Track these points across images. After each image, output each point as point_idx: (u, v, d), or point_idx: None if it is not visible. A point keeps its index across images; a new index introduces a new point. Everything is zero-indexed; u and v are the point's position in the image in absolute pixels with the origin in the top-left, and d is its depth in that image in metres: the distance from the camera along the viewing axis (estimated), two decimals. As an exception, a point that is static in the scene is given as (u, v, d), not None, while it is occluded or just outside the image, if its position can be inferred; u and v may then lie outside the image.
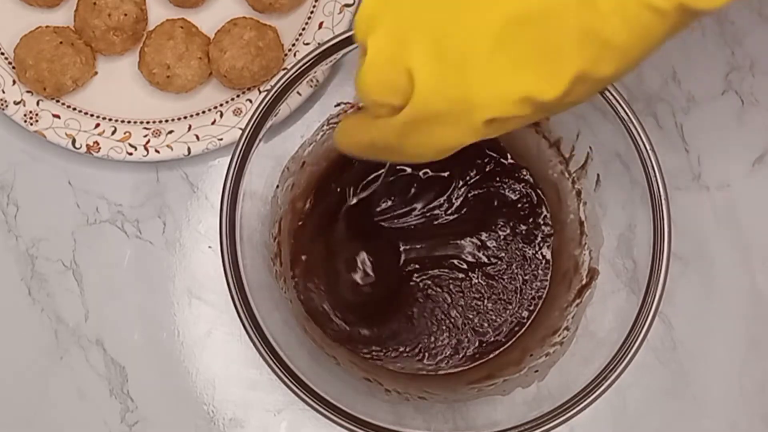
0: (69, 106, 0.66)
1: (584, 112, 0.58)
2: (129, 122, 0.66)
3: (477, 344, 0.63)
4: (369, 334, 0.63)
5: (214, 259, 0.58)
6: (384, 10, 0.41)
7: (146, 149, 0.65)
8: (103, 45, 0.66)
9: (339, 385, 0.57)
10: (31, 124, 0.65)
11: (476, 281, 0.63)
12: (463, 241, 0.64)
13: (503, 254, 0.64)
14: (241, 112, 0.65)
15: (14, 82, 0.66)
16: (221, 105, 0.66)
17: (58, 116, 0.65)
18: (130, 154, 0.65)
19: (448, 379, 0.62)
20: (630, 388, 0.63)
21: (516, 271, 0.64)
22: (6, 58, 0.66)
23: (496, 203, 0.64)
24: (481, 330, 0.63)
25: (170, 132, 0.65)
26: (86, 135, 0.65)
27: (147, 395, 0.65)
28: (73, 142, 0.65)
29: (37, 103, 0.66)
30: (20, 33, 0.66)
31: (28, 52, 0.65)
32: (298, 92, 0.57)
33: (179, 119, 0.66)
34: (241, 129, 0.60)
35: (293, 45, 0.67)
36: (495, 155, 0.64)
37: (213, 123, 0.65)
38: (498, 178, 0.64)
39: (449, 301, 0.63)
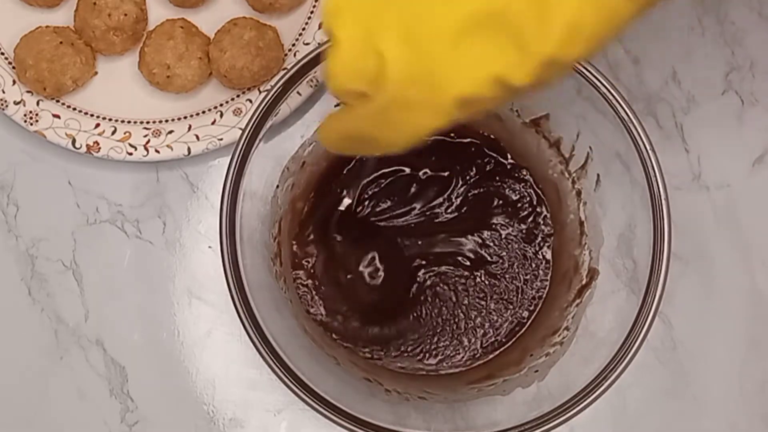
0: (69, 106, 0.66)
1: (584, 112, 0.58)
2: (129, 122, 0.66)
3: (478, 344, 0.63)
4: (376, 333, 0.63)
5: (214, 259, 0.58)
6: None
7: (146, 149, 0.65)
8: (103, 45, 0.66)
9: (339, 385, 0.57)
10: (31, 124, 0.65)
11: (479, 280, 0.63)
12: (464, 239, 0.64)
13: (504, 253, 0.64)
14: (241, 112, 0.65)
15: (14, 82, 0.66)
16: (221, 105, 0.66)
17: (58, 116, 0.65)
18: (130, 154, 0.65)
19: (448, 379, 0.62)
20: (630, 388, 0.63)
21: (517, 270, 0.64)
22: (6, 58, 0.66)
23: (496, 203, 0.64)
24: (482, 330, 0.63)
25: (170, 132, 0.65)
26: (86, 135, 0.65)
27: (147, 395, 0.65)
28: (73, 142, 0.65)
29: (37, 103, 0.66)
30: (20, 33, 0.66)
31: (28, 52, 0.65)
32: (298, 92, 0.57)
33: (179, 119, 0.66)
34: (241, 129, 0.60)
35: (293, 45, 0.67)
36: (495, 155, 0.64)
37: (213, 123, 0.65)
38: (498, 178, 0.64)
39: (455, 299, 0.63)
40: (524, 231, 0.64)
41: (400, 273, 0.63)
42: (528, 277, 0.64)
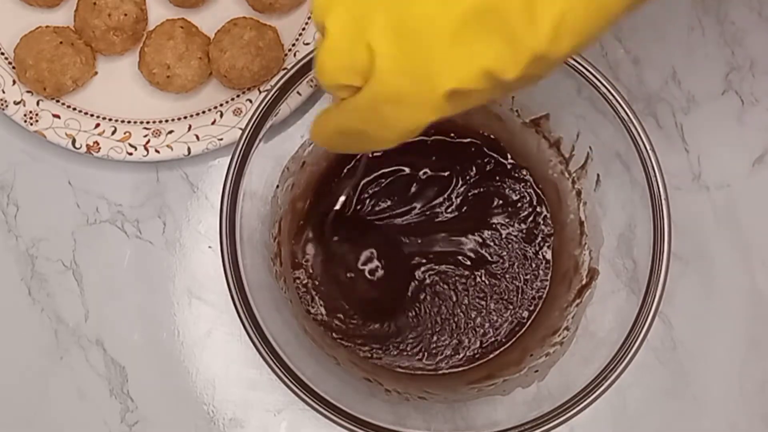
0: (69, 106, 0.66)
1: (584, 112, 0.58)
2: (129, 122, 0.66)
3: (478, 344, 0.63)
4: (376, 330, 0.63)
5: (214, 259, 0.58)
6: None
7: (146, 149, 0.65)
8: (103, 45, 0.66)
9: (339, 385, 0.57)
10: (31, 124, 0.65)
11: (480, 280, 0.63)
12: (464, 238, 0.64)
13: (504, 253, 0.64)
14: (241, 112, 0.65)
15: (14, 82, 0.66)
16: (221, 105, 0.66)
17: (58, 116, 0.65)
18: (130, 154, 0.65)
19: (448, 379, 0.62)
20: (630, 388, 0.63)
21: (517, 270, 0.64)
22: (6, 58, 0.66)
23: (496, 203, 0.64)
24: (482, 330, 0.63)
25: (170, 132, 0.65)
26: (86, 135, 0.65)
27: (147, 395, 0.65)
28: (73, 142, 0.65)
29: (37, 103, 0.66)
30: (20, 33, 0.66)
31: (28, 52, 0.65)
32: (298, 92, 0.57)
33: (179, 119, 0.66)
34: (241, 129, 0.60)
35: (293, 45, 0.67)
36: (495, 155, 0.64)
37: (213, 123, 0.65)
38: (498, 178, 0.64)
39: (454, 299, 0.63)
40: (524, 231, 0.64)
41: (399, 270, 0.63)
42: (528, 277, 0.64)
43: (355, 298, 0.63)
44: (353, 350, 0.62)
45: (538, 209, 0.64)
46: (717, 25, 0.68)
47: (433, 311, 0.63)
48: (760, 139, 0.68)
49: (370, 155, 0.60)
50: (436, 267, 0.63)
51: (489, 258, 0.63)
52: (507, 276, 0.63)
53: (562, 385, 0.55)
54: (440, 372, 0.63)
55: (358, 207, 0.63)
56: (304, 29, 0.67)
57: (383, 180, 0.63)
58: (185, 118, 0.66)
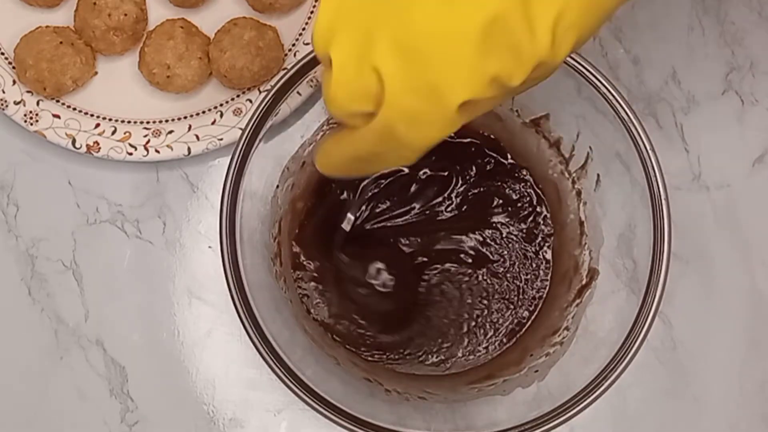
0: (69, 106, 0.66)
1: (584, 112, 0.58)
2: (129, 122, 0.66)
3: (479, 344, 0.63)
4: (390, 340, 0.63)
5: (214, 259, 0.58)
6: (341, 19, 0.41)
7: (146, 149, 0.65)
8: (103, 45, 0.66)
9: (339, 385, 0.57)
10: (31, 124, 0.65)
11: (482, 279, 0.63)
12: (464, 237, 0.64)
13: (505, 252, 0.64)
14: (241, 112, 0.65)
15: (14, 82, 0.66)
16: (221, 105, 0.66)
17: (58, 116, 0.65)
18: (130, 154, 0.65)
19: (448, 379, 0.62)
20: (630, 388, 0.63)
21: (517, 270, 0.64)
22: (6, 58, 0.66)
23: (496, 203, 0.64)
24: (483, 330, 0.63)
25: (170, 132, 0.65)
26: (86, 135, 0.65)
27: (147, 395, 0.65)
28: (73, 142, 0.65)
29: (37, 103, 0.66)
30: (20, 33, 0.66)
31: (28, 52, 0.65)
32: (298, 92, 0.57)
33: (179, 119, 0.66)
34: (241, 129, 0.60)
35: (293, 45, 0.67)
36: (495, 155, 0.64)
37: (213, 123, 0.65)
38: (498, 178, 0.64)
39: (459, 299, 0.63)
40: (524, 231, 0.64)
41: (410, 278, 0.63)
42: (528, 276, 0.64)
43: (369, 311, 0.62)
44: (354, 351, 0.62)
45: (538, 209, 0.64)
46: (717, 25, 0.68)
47: (440, 314, 0.63)
48: (760, 139, 0.68)
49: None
50: (440, 266, 0.63)
51: (490, 257, 0.63)
52: (508, 275, 0.63)
53: (562, 385, 0.55)
54: (441, 373, 0.63)
55: (361, 209, 0.63)
56: (304, 29, 0.67)
57: (383, 181, 0.63)
58: (185, 118, 0.66)
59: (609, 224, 0.60)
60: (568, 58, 0.54)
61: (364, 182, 0.63)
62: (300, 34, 0.67)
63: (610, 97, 0.54)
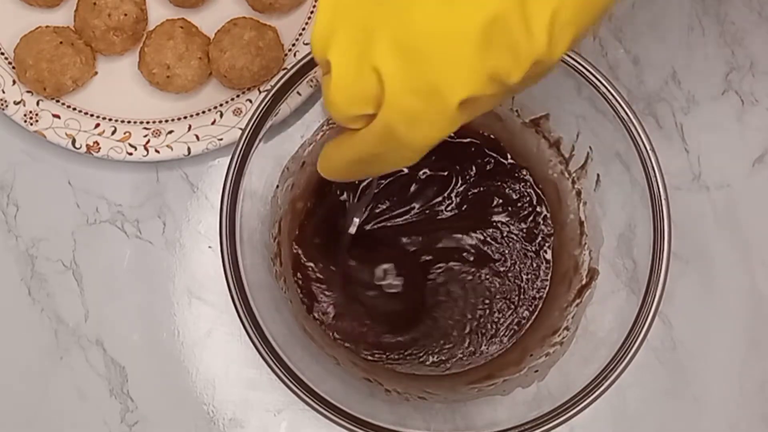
0: (69, 106, 0.66)
1: (584, 112, 0.58)
2: (129, 122, 0.66)
3: (480, 344, 0.63)
4: (397, 340, 0.62)
5: (214, 259, 0.58)
6: (339, 22, 0.41)
7: (146, 149, 0.65)
8: (103, 45, 0.65)
9: (339, 385, 0.57)
10: (31, 124, 0.65)
11: (484, 278, 0.63)
12: (465, 236, 0.64)
13: (506, 251, 0.64)
14: (241, 112, 0.65)
15: (14, 82, 0.66)
16: (221, 105, 0.66)
17: (58, 116, 0.65)
18: (130, 154, 0.65)
19: (448, 379, 0.62)
20: (630, 388, 0.63)
21: (518, 269, 0.64)
22: (6, 58, 0.66)
23: (495, 202, 0.64)
24: (484, 330, 0.63)
25: (170, 132, 0.65)
26: (86, 135, 0.65)
27: (147, 395, 0.65)
28: (73, 142, 0.65)
29: (37, 103, 0.66)
30: (20, 33, 0.66)
31: (28, 52, 0.65)
32: (298, 92, 0.57)
33: (179, 119, 0.66)
34: (241, 129, 0.60)
35: (293, 45, 0.67)
36: (495, 155, 0.64)
37: (213, 123, 0.65)
38: (498, 178, 0.64)
39: (464, 298, 0.63)
40: (524, 231, 0.64)
41: (415, 278, 0.63)
42: (529, 276, 0.64)
43: (378, 313, 0.62)
44: (354, 351, 0.62)
45: (538, 209, 0.64)
46: (717, 25, 0.68)
47: (446, 315, 0.63)
48: (760, 139, 0.68)
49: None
50: (444, 264, 0.63)
51: (492, 255, 0.63)
52: (510, 275, 0.63)
53: (562, 385, 0.55)
54: (441, 373, 0.63)
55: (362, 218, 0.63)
56: (304, 29, 0.67)
57: (382, 181, 0.63)
58: (185, 118, 0.66)
59: (609, 224, 0.60)
60: (568, 58, 0.54)
61: (364, 183, 0.63)
62: (300, 34, 0.67)
63: (610, 97, 0.54)
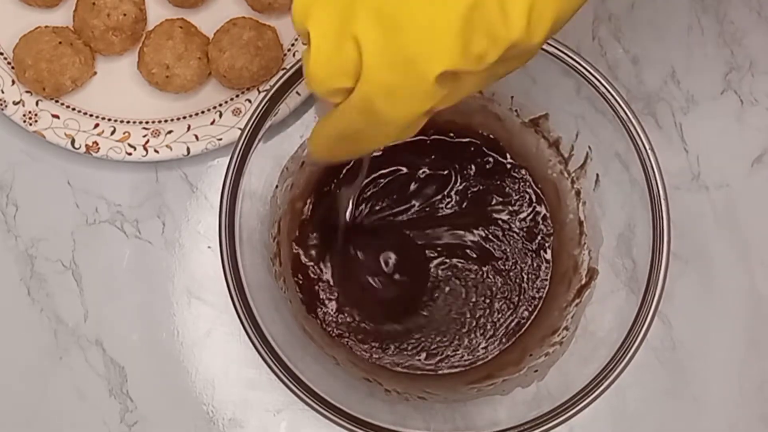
0: (68, 106, 0.66)
1: (583, 111, 0.58)
2: (128, 122, 0.66)
3: (479, 344, 0.63)
4: (386, 329, 0.62)
5: (214, 259, 0.58)
6: None
7: (145, 149, 0.65)
8: (102, 45, 0.65)
9: (339, 385, 0.57)
10: (31, 124, 0.65)
11: (486, 276, 0.63)
12: (467, 232, 0.64)
13: (507, 250, 0.64)
14: (240, 112, 0.65)
15: (13, 82, 0.66)
16: (220, 105, 0.66)
17: (57, 116, 0.65)
18: (130, 154, 0.65)
19: (448, 379, 0.62)
20: (629, 388, 0.63)
21: (518, 269, 0.64)
22: (5, 58, 0.66)
23: (495, 202, 0.64)
24: (483, 329, 0.63)
25: (169, 132, 0.65)
26: (85, 135, 0.65)
27: (147, 395, 0.65)
28: (73, 142, 0.65)
29: (36, 103, 0.66)
30: (19, 33, 0.66)
31: (27, 52, 0.65)
32: (297, 92, 0.57)
33: (178, 119, 0.66)
34: (240, 129, 0.60)
35: (292, 45, 0.67)
36: (494, 155, 0.64)
37: (212, 123, 0.65)
38: (497, 178, 0.64)
39: (465, 296, 0.63)
40: (524, 230, 0.64)
41: (419, 266, 0.63)
42: (528, 276, 0.63)
43: (380, 301, 0.62)
44: (353, 350, 0.62)
45: (537, 209, 0.64)
46: (716, 25, 0.68)
47: (444, 310, 0.63)
48: (759, 139, 0.68)
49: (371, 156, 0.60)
50: (448, 260, 0.63)
51: (494, 253, 0.63)
52: (511, 274, 0.63)
53: (562, 385, 0.55)
54: (440, 372, 0.63)
55: (360, 208, 0.63)
56: (303, 29, 0.66)
57: (382, 180, 0.63)
58: (184, 118, 0.66)
59: (608, 224, 0.60)
60: (567, 58, 0.54)
61: (364, 183, 0.63)
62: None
63: (610, 97, 0.54)
